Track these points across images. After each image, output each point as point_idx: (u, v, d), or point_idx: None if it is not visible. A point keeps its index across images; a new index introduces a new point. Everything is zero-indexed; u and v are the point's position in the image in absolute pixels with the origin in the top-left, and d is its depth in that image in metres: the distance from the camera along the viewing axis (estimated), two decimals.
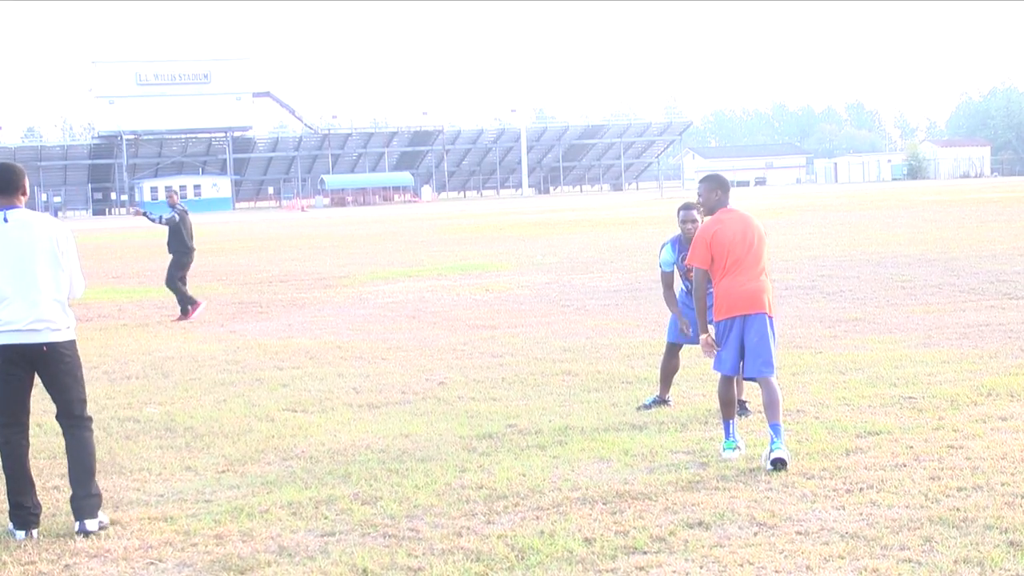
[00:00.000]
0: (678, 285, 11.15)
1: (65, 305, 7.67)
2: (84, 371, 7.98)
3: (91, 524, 7.57)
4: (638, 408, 10.91)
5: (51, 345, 7.57)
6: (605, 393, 11.80)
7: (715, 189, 9.18)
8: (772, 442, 8.56)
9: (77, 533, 7.54)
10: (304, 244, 43.94)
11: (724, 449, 9.02)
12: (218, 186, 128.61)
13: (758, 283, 8.92)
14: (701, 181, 9.32)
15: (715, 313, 9.08)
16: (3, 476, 7.87)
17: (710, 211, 9.20)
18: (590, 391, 11.96)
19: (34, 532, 7.59)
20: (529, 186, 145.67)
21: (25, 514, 7.60)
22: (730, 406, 9.12)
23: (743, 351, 8.96)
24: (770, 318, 8.99)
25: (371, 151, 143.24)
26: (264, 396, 12.41)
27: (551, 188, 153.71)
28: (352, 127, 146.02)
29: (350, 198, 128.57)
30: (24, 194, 7.72)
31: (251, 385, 13.14)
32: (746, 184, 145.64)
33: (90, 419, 7.86)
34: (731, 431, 9.11)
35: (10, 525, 7.63)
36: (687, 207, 10.66)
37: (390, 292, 23.67)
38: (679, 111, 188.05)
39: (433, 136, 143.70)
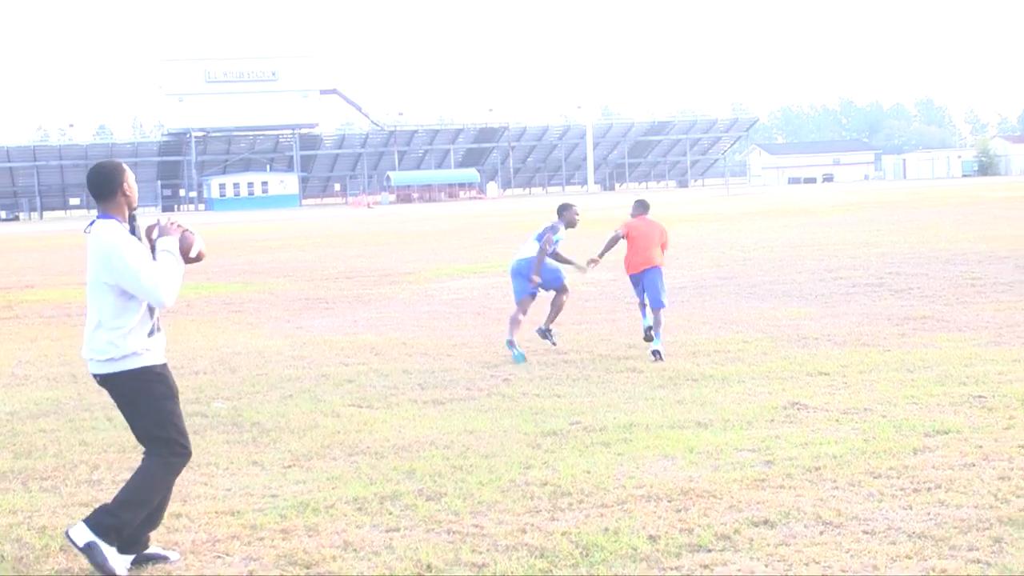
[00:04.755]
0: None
1: (120, 333, 6.74)
2: None
3: (74, 532, 6.81)
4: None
5: (104, 377, 6.87)
6: (670, 390, 11.76)
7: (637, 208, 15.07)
8: (657, 339, 13.91)
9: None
10: (370, 240, 44.13)
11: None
12: (285, 183, 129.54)
13: (651, 252, 14.55)
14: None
15: (628, 269, 14.71)
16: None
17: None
18: (655, 388, 11.93)
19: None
20: (595, 183, 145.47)
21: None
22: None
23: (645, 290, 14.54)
24: (659, 268, 14.56)
25: (437, 148, 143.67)
26: (330, 392, 12.48)
27: (617, 185, 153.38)
28: (418, 124, 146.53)
29: (416, 195, 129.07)
30: (124, 195, 6.88)
31: (317, 381, 13.22)
32: (813, 181, 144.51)
33: (169, 455, 6.92)
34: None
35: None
36: (569, 207, 15.10)
37: (455, 288, 23.73)
38: (745, 107, 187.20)
39: (499, 133, 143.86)
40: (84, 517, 6.93)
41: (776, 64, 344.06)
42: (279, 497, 8.36)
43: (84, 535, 6.76)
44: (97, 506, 7.02)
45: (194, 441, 10.18)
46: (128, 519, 6.81)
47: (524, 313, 14.85)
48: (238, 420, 11.13)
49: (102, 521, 6.79)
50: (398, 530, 7.47)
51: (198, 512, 8.00)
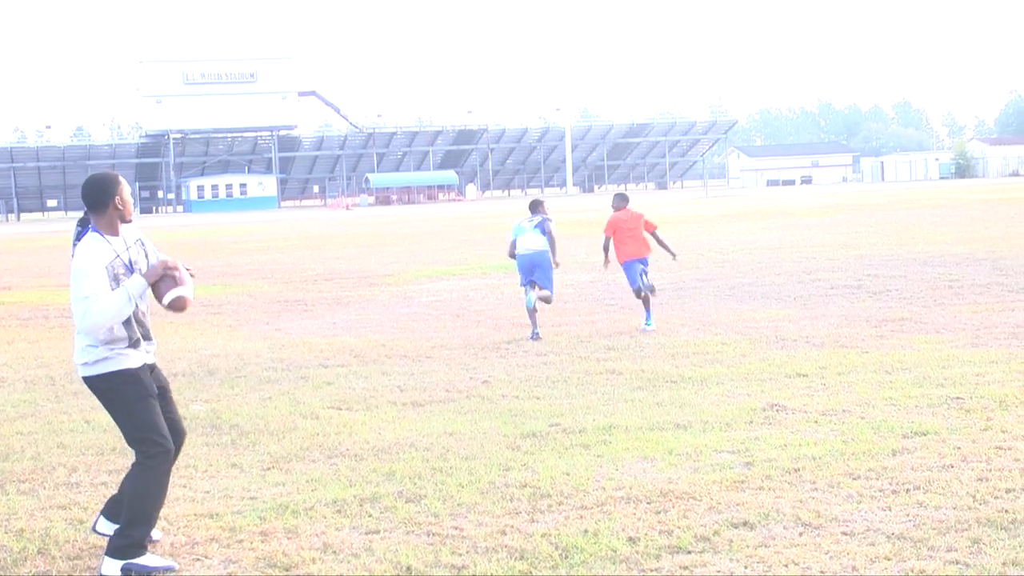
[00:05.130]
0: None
1: (92, 341, 6.85)
2: None
3: (105, 568, 6.88)
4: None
5: (83, 380, 7.03)
6: (649, 392, 11.77)
7: (617, 200, 17.36)
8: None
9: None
10: (349, 242, 44.07)
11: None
12: (263, 185, 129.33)
13: (639, 244, 16.93)
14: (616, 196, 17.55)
15: (620, 258, 16.99)
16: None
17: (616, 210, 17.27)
18: (634, 390, 11.93)
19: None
20: (574, 184, 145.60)
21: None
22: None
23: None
24: (647, 259, 17.00)
25: (416, 150, 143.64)
26: (309, 394, 12.45)
27: (596, 187, 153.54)
28: (397, 126, 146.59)
29: (395, 197, 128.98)
30: (116, 208, 6.87)
31: (296, 383, 13.19)
32: (792, 183, 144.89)
33: (143, 458, 6.96)
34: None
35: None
36: (540, 202, 17.15)
37: (434, 291, 23.71)
38: (724, 109, 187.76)
39: (477, 135, 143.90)
40: (104, 551, 6.99)
41: (755, 67, 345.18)
42: (258, 499, 8.34)
43: (114, 566, 6.87)
44: (110, 535, 7.05)
45: None
46: (140, 533, 6.96)
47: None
48: (217, 422, 11.10)
49: (120, 544, 6.90)
50: (378, 532, 7.45)
51: (177, 515, 7.97)
